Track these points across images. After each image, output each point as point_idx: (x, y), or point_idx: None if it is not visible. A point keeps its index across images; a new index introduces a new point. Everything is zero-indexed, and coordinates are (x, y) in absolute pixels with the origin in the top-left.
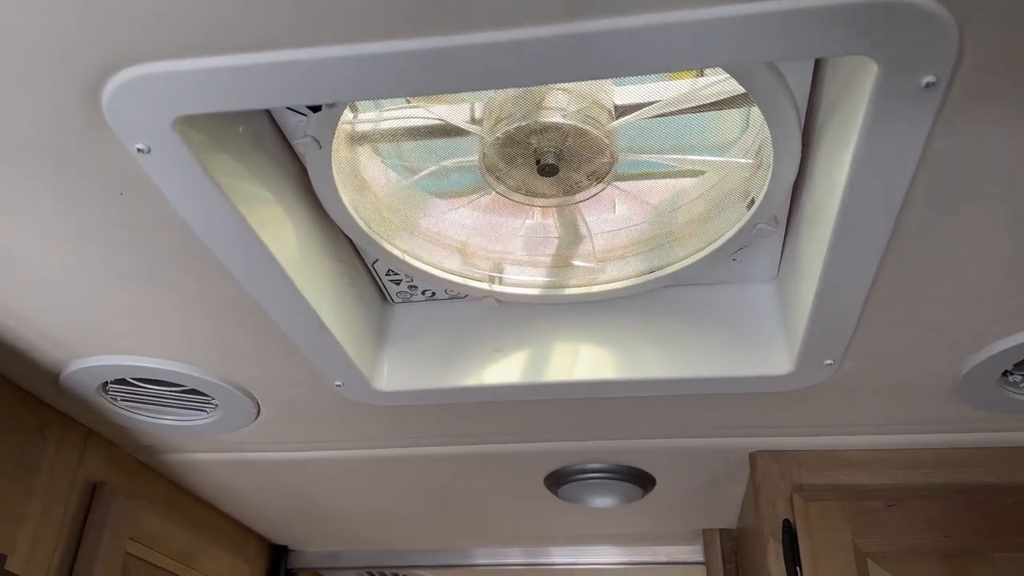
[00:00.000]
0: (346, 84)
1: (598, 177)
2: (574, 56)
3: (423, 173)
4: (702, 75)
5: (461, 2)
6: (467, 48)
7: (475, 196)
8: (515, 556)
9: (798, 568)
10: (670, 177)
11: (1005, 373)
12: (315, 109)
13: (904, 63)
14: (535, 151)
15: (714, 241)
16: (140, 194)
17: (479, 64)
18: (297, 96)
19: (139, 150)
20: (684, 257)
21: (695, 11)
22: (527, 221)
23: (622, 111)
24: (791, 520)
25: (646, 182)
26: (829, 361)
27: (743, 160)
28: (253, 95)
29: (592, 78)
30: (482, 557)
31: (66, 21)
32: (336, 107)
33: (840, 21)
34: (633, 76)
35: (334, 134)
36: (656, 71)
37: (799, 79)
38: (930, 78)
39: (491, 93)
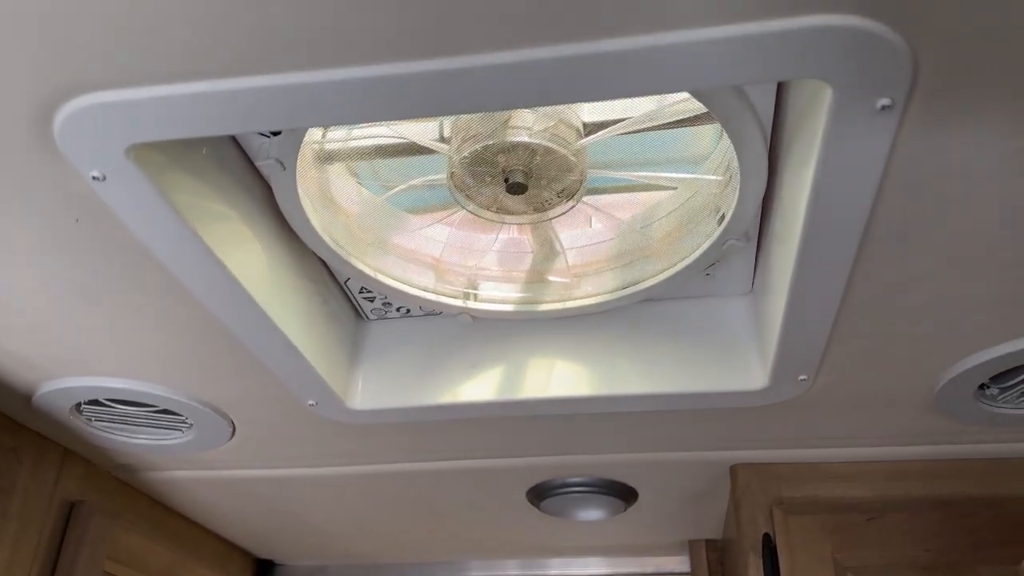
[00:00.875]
0: (300, 111)
1: (568, 194)
2: (530, 83)
3: (393, 191)
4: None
5: (420, 29)
6: (427, 75)
7: (447, 213)
8: (503, 569)
9: None
10: (643, 191)
11: (981, 386)
12: (277, 132)
13: (858, 86)
14: (503, 169)
15: (687, 256)
16: (99, 220)
17: (439, 91)
18: (254, 123)
19: (94, 178)
20: (658, 272)
21: (651, 37)
22: (500, 237)
23: (590, 129)
24: (771, 534)
25: (618, 197)
26: (803, 376)
27: (712, 176)
28: (207, 123)
29: (548, 104)
30: (470, 570)
31: (14, 49)
32: (298, 130)
33: (792, 46)
34: (589, 101)
35: (298, 155)
36: (614, 97)
37: (763, 98)
38: (885, 101)
39: None
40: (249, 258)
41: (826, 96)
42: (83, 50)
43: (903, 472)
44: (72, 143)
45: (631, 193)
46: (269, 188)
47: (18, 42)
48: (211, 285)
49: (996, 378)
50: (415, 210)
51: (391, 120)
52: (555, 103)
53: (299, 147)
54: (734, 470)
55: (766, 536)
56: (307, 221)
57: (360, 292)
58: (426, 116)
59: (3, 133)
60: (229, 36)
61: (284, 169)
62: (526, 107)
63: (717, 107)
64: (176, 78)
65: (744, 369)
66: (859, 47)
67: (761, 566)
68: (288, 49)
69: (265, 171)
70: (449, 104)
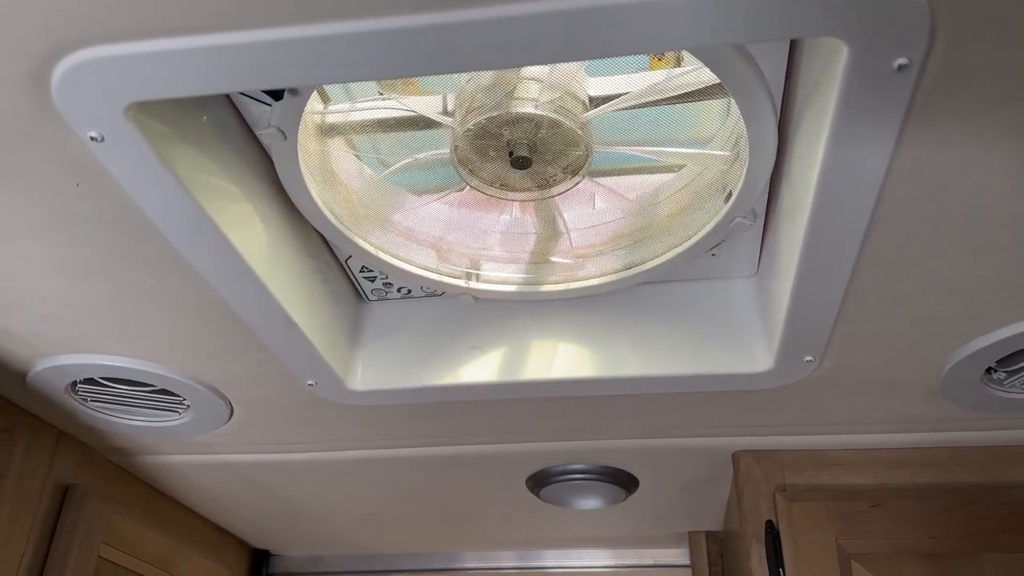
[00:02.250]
0: (304, 67)
1: (573, 170)
2: (537, 37)
3: (396, 166)
4: (678, 65)
5: None
6: (427, 28)
7: (450, 191)
8: (502, 559)
9: (781, 570)
10: (648, 172)
11: (988, 370)
12: (278, 97)
13: (875, 44)
14: (508, 143)
15: (692, 236)
16: (97, 185)
17: (439, 45)
18: (254, 80)
19: (92, 138)
20: (663, 253)
21: None
22: (503, 216)
23: (596, 102)
24: (774, 521)
25: (624, 177)
26: (809, 358)
27: (720, 152)
28: (207, 80)
29: (555, 61)
30: (468, 560)
31: (11, 3)
32: (300, 96)
33: (810, 1)
34: (596, 59)
35: (299, 124)
36: (620, 53)
37: (774, 69)
38: (902, 60)
39: (462, 84)
40: (250, 231)
41: (841, 56)
42: (81, 3)
43: (907, 459)
44: (70, 102)
45: (636, 175)
46: (270, 161)
47: None
48: (211, 257)
49: (1003, 361)
50: (415, 189)
51: (397, 76)
52: (563, 60)
53: (300, 116)
54: (736, 457)
55: (769, 523)
56: (308, 194)
57: (361, 272)
58: (429, 73)
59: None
60: None
61: (285, 139)
62: (533, 64)
63: (728, 76)
64: (177, 32)
65: (749, 351)
66: (878, 3)
67: (764, 553)
68: (291, 1)
69: (266, 140)
70: (453, 60)
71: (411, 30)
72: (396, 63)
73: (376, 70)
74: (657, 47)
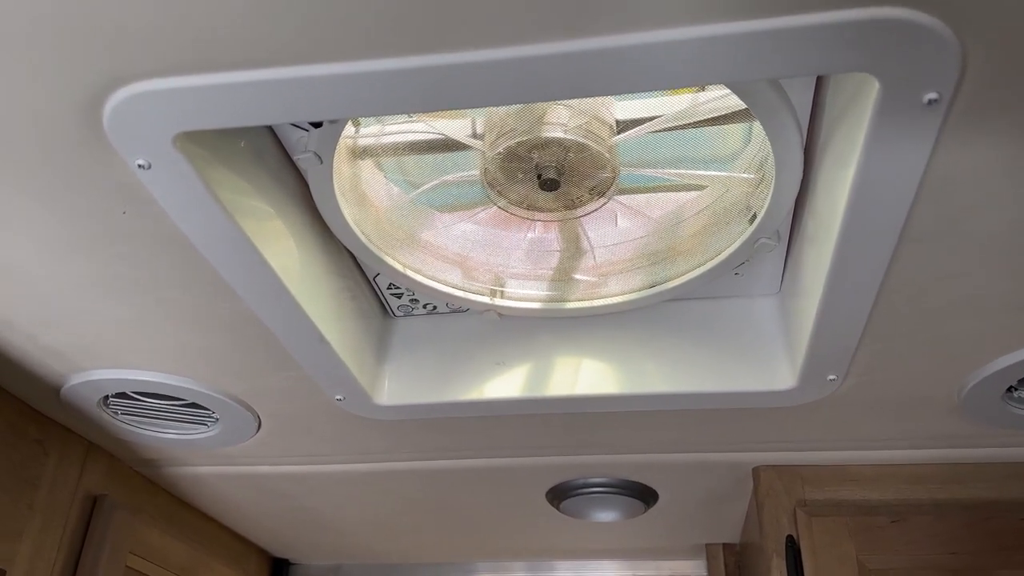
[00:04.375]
0: (347, 101)
1: (599, 191)
2: (574, 74)
3: (424, 187)
4: (703, 90)
5: (461, 20)
6: (468, 66)
7: (477, 210)
8: (518, 570)
9: None
10: (672, 191)
11: (1009, 389)
12: (317, 124)
13: (906, 80)
14: (536, 166)
15: (716, 256)
16: (141, 209)
17: (480, 81)
18: (298, 113)
19: (140, 166)
20: (686, 271)
21: (695, 28)
22: (529, 235)
23: (623, 126)
24: (795, 536)
25: (648, 196)
26: (832, 376)
27: (745, 175)
28: (254, 112)
29: (591, 95)
30: (485, 571)
31: (66, 39)
32: (338, 122)
33: (841, 38)
34: (633, 93)
35: (335, 149)
36: (656, 88)
37: (801, 95)
38: (932, 95)
39: (492, 108)
40: (284, 250)
41: (872, 90)
42: (134, 39)
43: (927, 475)
44: (120, 131)
45: (660, 193)
46: (302, 182)
47: (70, 32)
48: (248, 276)
49: None
50: (443, 207)
51: (435, 110)
52: (600, 94)
53: (337, 141)
54: (756, 472)
55: (789, 538)
56: (341, 215)
57: (388, 288)
58: (469, 107)
59: (54, 123)
60: (279, 26)
61: (321, 163)
62: (570, 98)
63: (757, 103)
64: (226, 67)
65: (772, 369)
66: (910, 40)
67: (785, 568)
68: (336, 39)
69: (302, 165)
70: (493, 95)
71: (449, 67)
72: (437, 98)
73: (417, 104)
74: (693, 81)
